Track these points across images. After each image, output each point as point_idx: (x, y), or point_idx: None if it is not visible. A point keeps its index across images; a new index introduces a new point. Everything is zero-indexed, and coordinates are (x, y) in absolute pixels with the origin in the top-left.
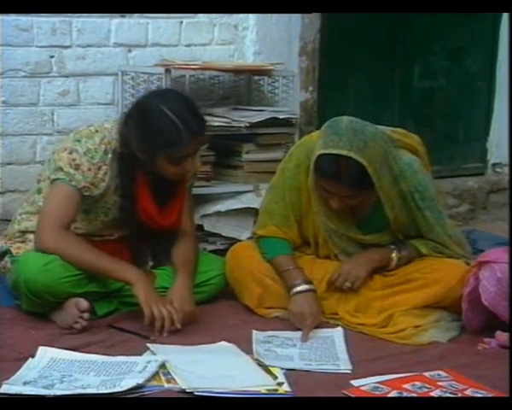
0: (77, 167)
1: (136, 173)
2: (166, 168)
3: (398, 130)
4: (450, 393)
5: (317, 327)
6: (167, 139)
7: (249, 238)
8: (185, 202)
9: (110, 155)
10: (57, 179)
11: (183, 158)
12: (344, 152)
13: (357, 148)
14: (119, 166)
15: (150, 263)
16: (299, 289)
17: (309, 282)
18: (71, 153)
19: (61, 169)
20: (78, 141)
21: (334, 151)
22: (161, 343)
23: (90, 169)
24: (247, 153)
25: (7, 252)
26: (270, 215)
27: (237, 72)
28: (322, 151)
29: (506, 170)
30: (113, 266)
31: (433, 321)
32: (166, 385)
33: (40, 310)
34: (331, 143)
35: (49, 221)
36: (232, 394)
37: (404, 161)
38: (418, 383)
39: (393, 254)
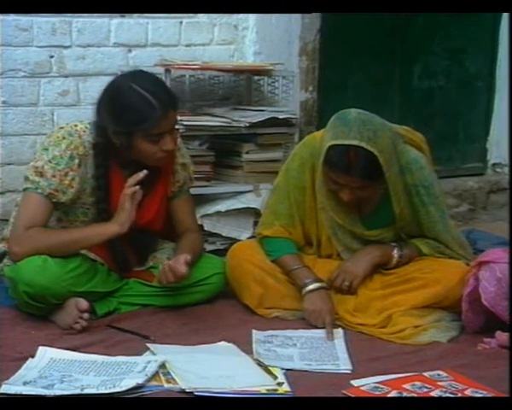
0: (41, 175)
1: (111, 166)
2: (144, 149)
3: (403, 127)
4: (450, 393)
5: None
6: (141, 115)
7: (249, 238)
8: (188, 204)
9: (77, 160)
10: (26, 189)
11: (159, 135)
12: (355, 142)
13: (367, 138)
14: (93, 158)
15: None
16: (311, 287)
17: (320, 280)
18: (36, 161)
19: (27, 178)
20: (46, 149)
21: (345, 142)
22: (161, 343)
23: (54, 176)
24: (247, 153)
25: (5, 254)
26: (275, 216)
27: (237, 72)
28: (333, 142)
29: (506, 170)
30: (86, 232)
31: (432, 321)
32: (166, 385)
33: (40, 313)
34: (341, 134)
35: (13, 231)
36: (232, 394)
37: (411, 156)
38: (418, 383)
39: (394, 252)
